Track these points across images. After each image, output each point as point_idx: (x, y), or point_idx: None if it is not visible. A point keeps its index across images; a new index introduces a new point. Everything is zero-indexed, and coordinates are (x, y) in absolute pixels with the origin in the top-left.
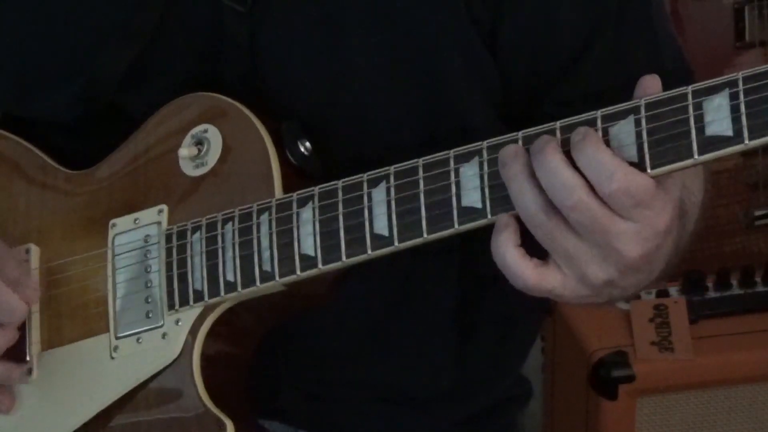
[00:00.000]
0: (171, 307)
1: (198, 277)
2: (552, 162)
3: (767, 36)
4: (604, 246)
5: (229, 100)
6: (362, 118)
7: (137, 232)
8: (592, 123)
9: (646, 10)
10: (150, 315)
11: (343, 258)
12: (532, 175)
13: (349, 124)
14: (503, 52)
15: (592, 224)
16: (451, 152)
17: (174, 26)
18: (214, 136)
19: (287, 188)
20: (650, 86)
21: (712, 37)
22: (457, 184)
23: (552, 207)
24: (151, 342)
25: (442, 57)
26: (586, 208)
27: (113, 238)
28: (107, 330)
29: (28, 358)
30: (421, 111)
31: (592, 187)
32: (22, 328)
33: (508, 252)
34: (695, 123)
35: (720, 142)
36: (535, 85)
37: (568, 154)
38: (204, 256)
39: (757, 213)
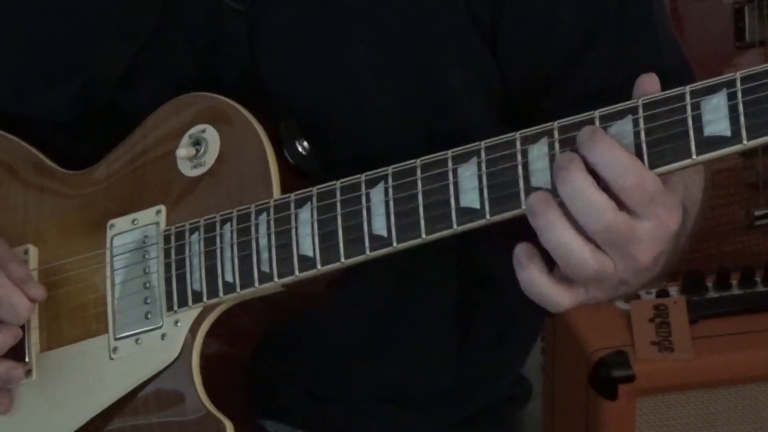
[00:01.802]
0: (170, 307)
1: (196, 278)
2: (579, 182)
3: (767, 36)
4: (624, 255)
5: (227, 100)
6: (361, 117)
7: (135, 233)
8: (589, 123)
9: (646, 9)
10: (149, 316)
11: (342, 259)
12: (569, 223)
13: (347, 123)
14: (503, 52)
15: (617, 239)
16: (449, 153)
17: (173, 24)
18: (211, 136)
19: (285, 188)
20: (648, 86)
21: (712, 37)
22: (455, 184)
23: (594, 247)
24: (150, 343)
25: (442, 56)
26: (616, 227)
27: (111, 239)
28: (106, 331)
29: (27, 360)
30: (420, 110)
31: (614, 202)
32: (22, 330)
33: (544, 285)
34: (693, 123)
35: (718, 142)
36: (535, 84)
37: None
38: (202, 256)
39: (757, 213)
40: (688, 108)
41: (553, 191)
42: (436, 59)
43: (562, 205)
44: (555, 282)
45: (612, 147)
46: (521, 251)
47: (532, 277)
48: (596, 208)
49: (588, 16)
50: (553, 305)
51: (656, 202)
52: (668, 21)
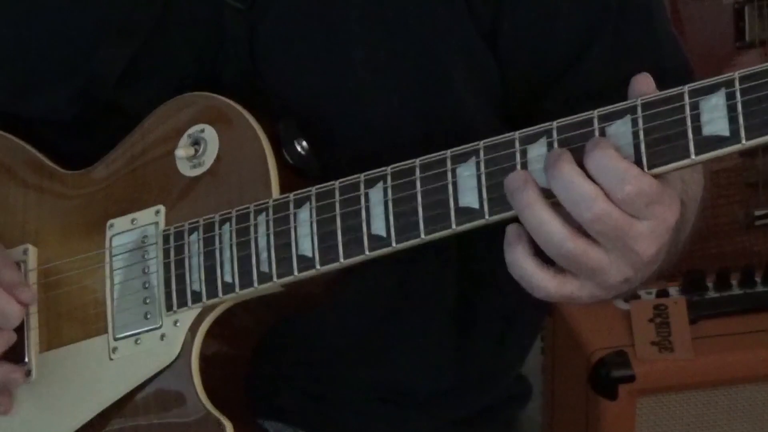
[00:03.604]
0: (169, 308)
1: (196, 278)
2: (568, 175)
3: (767, 36)
4: (622, 250)
5: (226, 99)
6: (360, 117)
7: (135, 233)
8: (588, 123)
9: (646, 8)
10: (148, 316)
11: (341, 259)
12: (549, 204)
13: (347, 123)
14: (503, 51)
15: (613, 232)
16: (448, 152)
17: (173, 24)
18: (210, 136)
19: (285, 188)
20: (644, 85)
21: (712, 37)
22: (454, 184)
23: (575, 231)
24: (149, 343)
25: (442, 55)
26: (608, 217)
27: (111, 239)
28: (106, 331)
29: (26, 360)
30: (420, 110)
31: (606, 194)
32: (21, 330)
33: (526, 265)
34: (692, 123)
35: (717, 141)
36: (534, 84)
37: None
38: (202, 256)
39: (757, 213)
40: (687, 108)
41: (549, 193)
42: (436, 58)
43: (545, 192)
44: (540, 265)
45: (610, 156)
46: (510, 231)
47: (517, 256)
48: (585, 197)
49: (588, 15)
50: (535, 288)
51: (655, 202)
52: (668, 20)
